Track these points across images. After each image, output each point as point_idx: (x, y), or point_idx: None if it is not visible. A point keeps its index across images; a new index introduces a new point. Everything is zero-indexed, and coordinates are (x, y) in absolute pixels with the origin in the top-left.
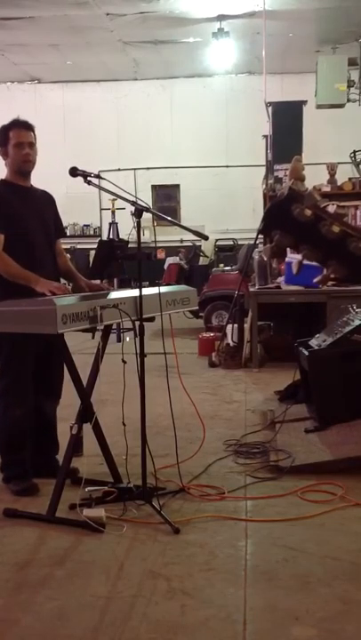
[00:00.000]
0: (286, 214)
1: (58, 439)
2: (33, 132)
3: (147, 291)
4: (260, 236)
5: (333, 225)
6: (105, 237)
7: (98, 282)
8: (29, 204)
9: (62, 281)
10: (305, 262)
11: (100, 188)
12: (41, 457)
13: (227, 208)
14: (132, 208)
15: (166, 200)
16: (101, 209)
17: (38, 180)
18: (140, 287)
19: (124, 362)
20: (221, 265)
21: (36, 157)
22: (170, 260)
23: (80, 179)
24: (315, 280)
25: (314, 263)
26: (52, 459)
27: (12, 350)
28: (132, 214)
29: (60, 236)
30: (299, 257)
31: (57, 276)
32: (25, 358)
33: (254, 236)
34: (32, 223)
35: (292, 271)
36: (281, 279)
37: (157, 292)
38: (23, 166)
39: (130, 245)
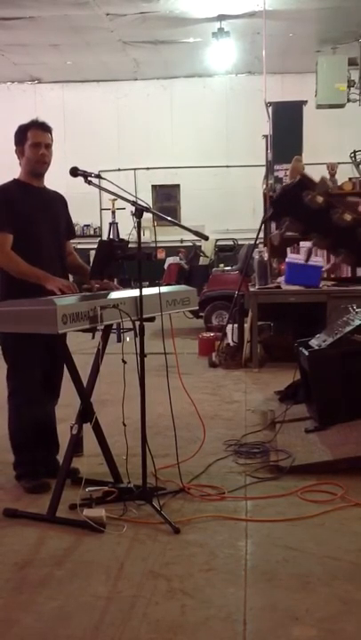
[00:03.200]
0: (297, 201)
1: (58, 439)
2: (50, 133)
3: (147, 291)
4: (271, 221)
5: (345, 213)
6: (105, 237)
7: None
8: (40, 204)
9: (70, 278)
10: (304, 263)
11: (101, 188)
12: (41, 457)
13: (227, 208)
14: (133, 208)
15: (166, 200)
16: (101, 209)
17: None
18: (141, 287)
19: (124, 362)
20: (221, 265)
21: (51, 159)
22: (170, 260)
23: (80, 179)
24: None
25: (314, 263)
26: (52, 459)
27: (18, 351)
28: (133, 214)
29: (70, 237)
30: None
31: (65, 276)
32: (32, 358)
33: (254, 236)
34: (41, 223)
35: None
36: (281, 279)
37: (157, 292)
38: (37, 167)
39: (130, 245)
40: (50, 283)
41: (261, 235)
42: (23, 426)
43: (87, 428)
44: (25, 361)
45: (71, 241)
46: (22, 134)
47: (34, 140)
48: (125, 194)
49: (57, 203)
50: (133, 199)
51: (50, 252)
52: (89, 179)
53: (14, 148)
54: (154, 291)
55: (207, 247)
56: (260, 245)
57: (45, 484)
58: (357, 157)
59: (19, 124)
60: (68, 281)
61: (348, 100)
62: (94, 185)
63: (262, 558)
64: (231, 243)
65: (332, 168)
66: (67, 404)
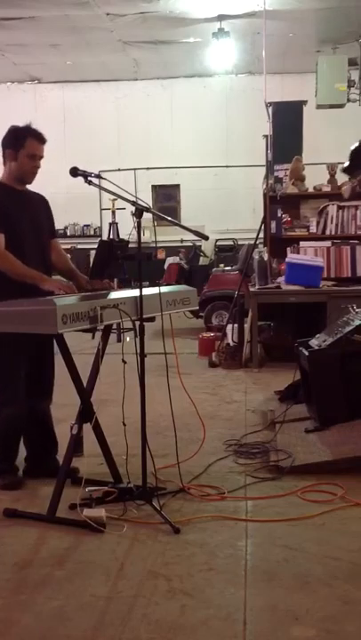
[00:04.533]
0: None
1: (57, 439)
2: (44, 145)
3: (147, 291)
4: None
5: None
6: (105, 237)
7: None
8: (22, 206)
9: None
10: (305, 263)
11: (101, 188)
12: (41, 457)
13: (227, 208)
14: (133, 208)
15: (166, 200)
16: (101, 209)
17: (39, 179)
18: (141, 287)
19: (124, 362)
20: (222, 265)
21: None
22: (170, 260)
23: (80, 179)
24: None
25: (314, 263)
26: (52, 459)
27: (4, 350)
28: (133, 214)
29: (54, 236)
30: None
31: (49, 275)
32: (17, 358)
33: (254, 235)
34: (23, 225)
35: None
36: (281, 279)
37: (157, 292)
38: (27, 177)
39: (130, 245)
40: (46, 283)
41: (261, 235)
42: (3, 426)
43: (87, 427)
44: (10, 362)
45: (66, 240)
46: (18, 140)
47: (31, 151)
48: (125, 194)
49: (39, 204)
50: (133, 199)
51: (31, 252)
52: (89, 179)
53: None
54: (154, 291)
55: (207, 247)
56: (260, 245)
57: (19, 482)
58: None
59: (18, 124)
60: (65, 281)
61: (348, 100)
62: (94, 185)
63: (262, 558)
64: (231, 243)
65: (332, 168)
66: (67, 404)
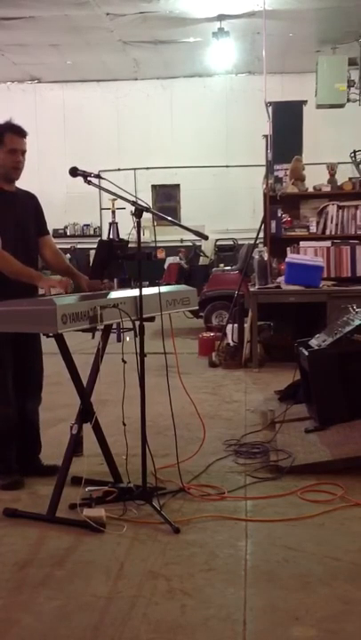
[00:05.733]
0: None
1: (40, 439)
2: (26, 138)
3: (147, 291)
4: None
5: None
6: (105, 237)
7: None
8: (8, 206)
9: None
10: (305, 262)
11: (101, 188)
12: (24, 456)
13: (227, 208)
14: (132, 208)
15: (166, 200)
16: (101, 209)
17: (38, 179)
18: (141, 287)
19: (124, 362)
20: (221, 265)
21: (24, 165)
22: (170, 260)
23: (80, 179)
24: None
25: (314, 263)
26: (35, 458)
27: None
28: (132, 214)
29: (43, 233)
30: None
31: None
32: (3, 356)
33: (254, 235)
34: (7, 225)
35: None
36: (281, 279)
37: (157, 291)
38: (12, 173)
39: (130, 245)
40: (42, 282)
41: (261, 234)
42: None
43: (87, 427)
44: None
45: (66, 240)
46: None
47: (11, 145)
48: (125, 194)
49: (26, 204)
50: (133, 199)
51: (18, 255)
52: (89, 179)
53: None
54: (154, 291)
55: (207, 247)
56: (260, 245)
57: (19, 482)
58: (357, 157)
59: (18, 124)
60: (62, 278)
61: (348, 100)
62: (94, 185)
63: (262, 558)
64: (231, 243)
65: (332, 168)
66: (67, 404)
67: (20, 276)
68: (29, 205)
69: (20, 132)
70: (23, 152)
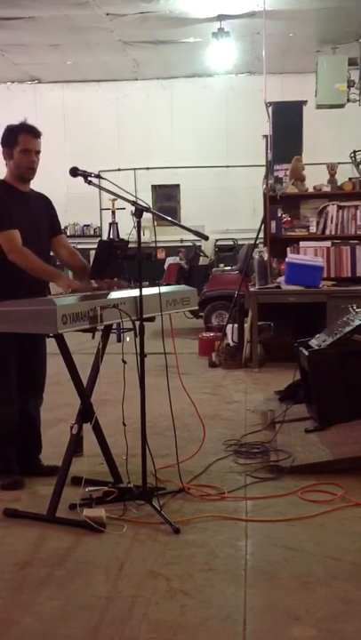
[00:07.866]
0: None
1: (41, 439)
2: (40, 138)
3: (147, 291)
4: None
5: None
6: (105, 237)
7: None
8: (23, 207)
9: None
10: (305, 263)
11: (101, 188)
12: (24, 456)
13: (227, 208)
14: (133, 208)
15: (166, 200)
16: (101, 209)
17: (38, 179)
18: (141, 287)
19: (124, 362)
20: (221, 265)
21: (38, 165)
22: (170, 260)
23: (80, 179)
24: None
25: (314, 263)
26: (35, 458)
27: None
28: (133, 214)
29: (56, 234)
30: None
31: None
32: (8, 356)
33: (254, 235)
34: (22, 226)
35: None
36: (281, 279)
37: (157, 292)
38: (26, 173)
39: (130, 245)
40: (62, 282)
41: (261, 235)
42: None
43: (87, 427)
44: (1, 360)
45: (70, 240)
46: (12, 137)
47: (25, 145)
48: (125, 194)
49: (40, 205)
50: (133, 199)
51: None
52: (89, 179)
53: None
54: (154, 291)
55: (207, 247)
56: (260, 245)
57: (20, 482)
58: (357, 157)
59: (32, 124)
60: (81, 282)
61: (348, 100)
62: (94, 185)
63: (262, 558)
64: (231, 243)
65: (332, 168)
66: (67, 404)
67: (40, 273)
68: (42, 206)
69: (33, 133)
70: (37, 152)
